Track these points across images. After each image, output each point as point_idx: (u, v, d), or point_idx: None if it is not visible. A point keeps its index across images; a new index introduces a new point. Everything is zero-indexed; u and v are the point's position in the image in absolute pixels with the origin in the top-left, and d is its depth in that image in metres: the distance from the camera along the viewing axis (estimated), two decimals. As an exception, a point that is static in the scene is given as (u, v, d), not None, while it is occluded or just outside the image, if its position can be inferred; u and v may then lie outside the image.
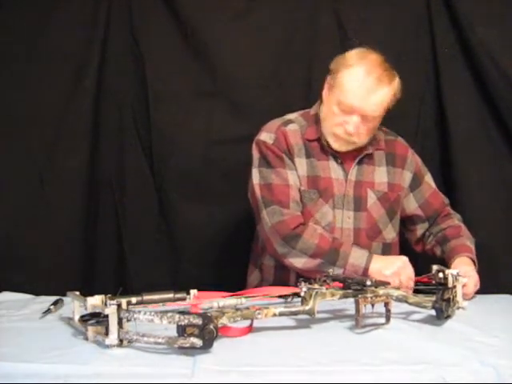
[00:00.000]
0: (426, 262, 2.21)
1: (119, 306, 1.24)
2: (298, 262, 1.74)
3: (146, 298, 1.46)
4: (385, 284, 1.45)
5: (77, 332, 1.35)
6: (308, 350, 1.24)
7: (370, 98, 1.73)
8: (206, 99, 2.29)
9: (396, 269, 1.69)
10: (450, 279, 1.57)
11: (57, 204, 2.22)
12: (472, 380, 1.11)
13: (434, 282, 1.64)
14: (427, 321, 1.45)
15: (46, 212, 2.20)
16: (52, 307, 1.54)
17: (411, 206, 1.94)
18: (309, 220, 1.80)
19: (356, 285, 1.41)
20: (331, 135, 1.80)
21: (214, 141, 2.31)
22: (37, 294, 1.78)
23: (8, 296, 1.78)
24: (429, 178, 1.98)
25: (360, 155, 1.85)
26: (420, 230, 1.97)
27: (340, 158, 1.84)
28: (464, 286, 1.61)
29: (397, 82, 1.79)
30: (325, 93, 1.84)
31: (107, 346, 1.23)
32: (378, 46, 2.29)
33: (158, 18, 2.26)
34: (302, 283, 1.41)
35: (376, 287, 1.42)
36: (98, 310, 1.30)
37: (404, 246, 2.08)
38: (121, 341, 1.24)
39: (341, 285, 1.44)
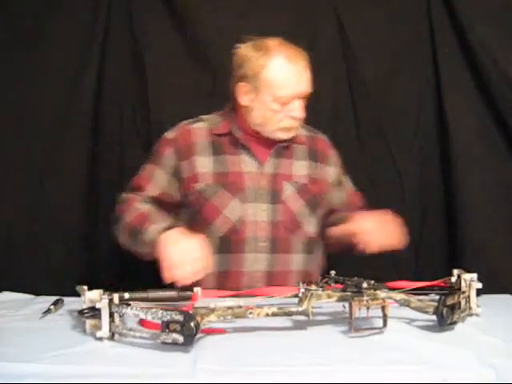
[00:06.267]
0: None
1: (111, 300, 1.27)
2: (120, 235, 1.78)
3: (152, 295, 1.47)
4: (383, 287, 1.44)
5: (77, 332, 1.35)
6: (308, 350, 1.24)
7: (303, 78, 1.75)
8: (206, 99, 2.28)
9: (184, 251, 1.52)
10: (463, 284, 1.52)
11: (57, 204, 2.22)
12: (472, 380, 1.11)
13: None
14: (427, 321, 1.44)
15: (46, 212, 2.19)
16: (52, 307, 1.54)
17: (336, 201, 1.91)
18: (216, 217, 1.76)
19: (353, 287, 1.41)
20: (280, 131, 1.78)
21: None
22: (37, 294, 1.79)
23: (8, 296, 1.78)
24: (348, 179, 1.97)
25: (274, 147, 1.82)
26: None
27: (252, 150, 1.81)
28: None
29: (302, 49, 1.80)
30: (249, 100, 1.77)
31: (105, 345, 1.24)
32: (378, 46, 2.32)
33: (158, 18, 2.26)
34: (301, 284, 1.40)
35: (375, 290, 1.40)
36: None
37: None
38: (112, 334, 1.26)
39: (341, 286, 1.44)
